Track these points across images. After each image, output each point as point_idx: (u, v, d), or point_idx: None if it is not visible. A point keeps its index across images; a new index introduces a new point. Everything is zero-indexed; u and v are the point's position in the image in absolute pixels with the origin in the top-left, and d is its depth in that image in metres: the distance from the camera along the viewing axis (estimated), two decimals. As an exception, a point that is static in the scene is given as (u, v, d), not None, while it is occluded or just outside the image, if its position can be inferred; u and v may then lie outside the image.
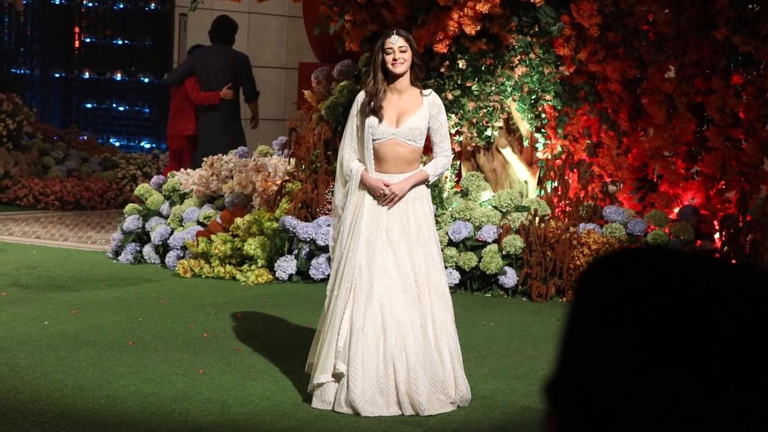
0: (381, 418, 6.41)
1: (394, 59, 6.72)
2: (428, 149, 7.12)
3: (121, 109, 19.30)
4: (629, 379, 1.08)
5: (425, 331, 6.55)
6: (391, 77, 6.78)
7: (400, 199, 6.66)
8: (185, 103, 13.89)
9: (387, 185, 6.65)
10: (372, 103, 6.74)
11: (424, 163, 7.07)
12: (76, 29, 19.44)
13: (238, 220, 10.84)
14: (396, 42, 6.73)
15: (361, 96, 6.88)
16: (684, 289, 1.10)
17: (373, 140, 6.74)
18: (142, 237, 11.51)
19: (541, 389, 1.17)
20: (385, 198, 6.65)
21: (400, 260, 6.59)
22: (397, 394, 6.47)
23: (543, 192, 10.95)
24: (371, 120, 6.72)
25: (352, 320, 6.52)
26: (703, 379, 1.05)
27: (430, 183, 6.82)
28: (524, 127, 10.99)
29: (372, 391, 6.45)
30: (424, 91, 6.87)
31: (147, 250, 11.36)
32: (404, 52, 6.74)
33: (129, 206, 11.93)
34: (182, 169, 12.39)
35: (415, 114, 6.77)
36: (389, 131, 6.72)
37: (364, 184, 6.71)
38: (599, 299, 1.13)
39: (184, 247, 10.98)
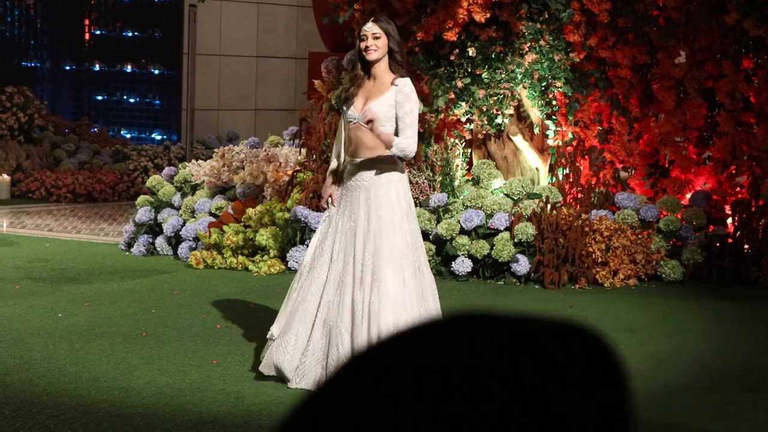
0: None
1: (367, 46, 6.77)
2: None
3: (132, 100, 19.30)
4: None
5: (362, 320, 6.58)
6: (368, 64, 6.82)
7: (372, 122, 6.65)
8: None
9: (330, 195, 6.88)
10: (350, 89, 6.91)
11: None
12: (86, 21, 19.42)
13: (250, 211, 10.85)
14: (370, 29, 6.79)
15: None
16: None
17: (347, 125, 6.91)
18: (154, 228, 11.52)
19: None
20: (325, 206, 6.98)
21: (348, 246, 6.72)
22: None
23: (554, 179, 10.94)
24: (346, 104, 6.90)
25: (297, 299, 6.80)
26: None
27: (391, 151, 6.67)
28: (535, 114, 10.97)
29: (306, 365, 6.68)
30: (396, 79, 6.79)
31: (159, 241, 11.37)
32: (378, 38, 6.76)
33: (141, 198, 11.95)
34: (194, 161, 12.43)
35: (377, 99, 6.76)
36: (354, 116, 6.80)
37: (334, 182, 6.95)
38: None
39: (196, 239, 11.00)
